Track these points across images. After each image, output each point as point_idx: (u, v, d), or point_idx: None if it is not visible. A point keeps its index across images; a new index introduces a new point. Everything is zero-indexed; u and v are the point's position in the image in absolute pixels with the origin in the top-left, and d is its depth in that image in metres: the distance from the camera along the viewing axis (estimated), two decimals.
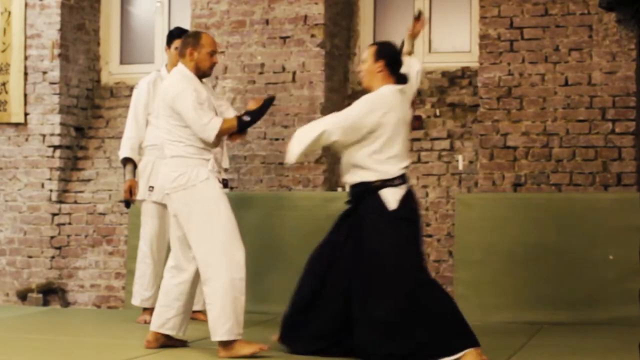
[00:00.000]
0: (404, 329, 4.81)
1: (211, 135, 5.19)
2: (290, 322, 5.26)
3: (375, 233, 4.94)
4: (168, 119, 5.24)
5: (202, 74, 5.37)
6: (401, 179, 5.00)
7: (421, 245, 5.15)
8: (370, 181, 4.97)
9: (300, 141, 5.04)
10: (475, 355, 4.78)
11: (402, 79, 5.10)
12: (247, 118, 5.39)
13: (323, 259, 5.21)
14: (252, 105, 5.47)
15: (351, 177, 5.07)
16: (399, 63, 5.12)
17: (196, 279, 5.36)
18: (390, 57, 5.07)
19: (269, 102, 5.49)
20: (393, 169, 4.98)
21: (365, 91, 5.18)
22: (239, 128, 5.37)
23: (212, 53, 5.37)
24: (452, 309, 4.91)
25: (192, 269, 5.32)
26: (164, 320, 5.34)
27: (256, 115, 5.45)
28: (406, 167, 5.05)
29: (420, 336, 4.79)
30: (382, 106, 4.95)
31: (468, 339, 4.83)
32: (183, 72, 5.32)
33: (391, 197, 4.95)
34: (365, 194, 5.00)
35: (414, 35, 5.35)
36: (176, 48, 6.48)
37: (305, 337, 5.17)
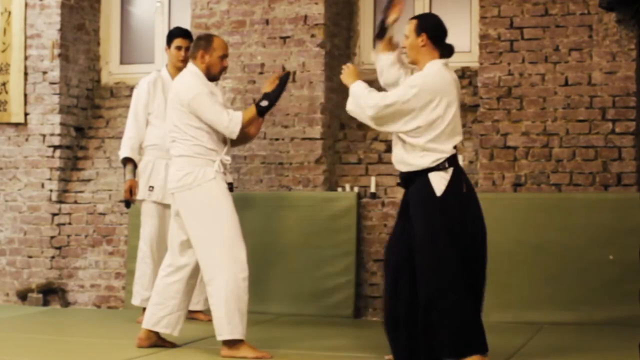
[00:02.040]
0: (428, 326, 4.73)
1: (235, 130, 5.22)
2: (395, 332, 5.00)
3: (419, 221, 4.80)
4: (180, 117, 5.24)
5: (211, 77, 5.39)
6: (449, 162, 4.84)
7: (468, 233, 4.84)
8: (421, 168, 4.82)
9: (354, 110, 4.93)
10: None
11: (448, 51, 4.96)
12: (264, 103, 5.32)
13: (394, 251, 5.00)
14: (267, 87, 5.42)
15: (403, 165, 4.91)
16: (442, 34, 4.97)
17: (192, 278, 5.38)
18: (432, 30, 4.93)
19: (285, 80, 5.39)
20: (442, 151, 4.82)
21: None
22: (260, 114, 5.34)
23: (223, 57, 5.41)
24: (473, 309, 4.82)
25: (188, 268, 5.33)
26: (158, 319, 5.36)
27: (274, 96, 5.36)
28: (455, 148, 4.89)
29: (440, 334, 4.72)
30: (431, 89, 4.80)
31: (479, 344, 4.78)
32: (196, 73, 5.34)
33: (438, 182, 4.80)
34: (414, 178, 4.86)
35: (392, 20, 5.13)
36: (177, 47, 6.51)
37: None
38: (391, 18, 5.10)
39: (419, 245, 4.79)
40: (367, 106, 4.87)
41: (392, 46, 5.13)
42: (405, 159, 4.89)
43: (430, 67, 4.89)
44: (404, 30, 5.00)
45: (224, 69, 5.44)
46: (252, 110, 5.35)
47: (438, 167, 4.81)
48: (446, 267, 4.75)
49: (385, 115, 4.83)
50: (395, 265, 4.91)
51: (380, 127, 4.94)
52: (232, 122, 5.21)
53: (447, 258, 4.75)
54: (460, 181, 4.85)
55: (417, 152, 4.83)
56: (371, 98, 4.89)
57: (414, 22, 4.98)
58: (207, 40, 5.41)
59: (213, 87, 5.39)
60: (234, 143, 5.52)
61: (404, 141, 4.87)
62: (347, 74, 5.08)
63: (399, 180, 5.07)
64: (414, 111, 4.78)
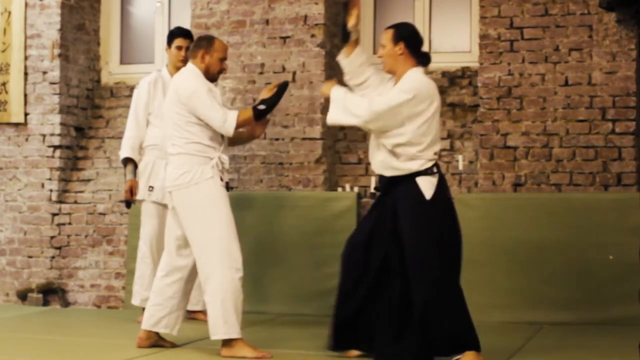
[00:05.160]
0: (424, 323, 4.80)
1: (230, 130, 5.25)
2: (341, 325, 5.14)
3: (411, 222, 4.86)
4: (179, 115, 5.26)
5: (210, 77, 5.41)
6: (436, 167, 4.93)
7: (452, 237, 5.00)
8: (408, 172, 4.88)
9: (340, 117, 4.98)
10: (474, 357, 4.80)
11: (424, 59, 5.03)
12: (262, 106, 5.40)
13: (358, 253, 5.11)
14: (265, 93, 5.49)
15: (389, 170, 4.95)
16: (419, 43, 5.04)
17: (191, 277, 5.38)
18: (409, 39, 4.99)
19: (283, 88, 5.48)
20: (428, 156, 4.89)
21: None
22: (256, 117, 5.39)
23: (223, 59, 5.46)
24: (465, 308, 4.91)
25: (187, 267, 5.34)
26: (157, 319, 5.37)
27: (271, 102, 5.45)
28: (437, 154, 4.96)
29: (437, 332, 4.79)
30: (424, 95, 4.86)
31: (473, 341, 4.85)
32: (195, 71, 5.37)
33: (426, 186, 4.86)
34: (400, 181, 4.91)
35: (352, 25, 5.18)
36: (177, 47, 6.50)
37: (359, 338, 5.10)
38: (350, 23, 5.17)
39: (409, 248, 4.84)
40: (359, 109, 4.91)
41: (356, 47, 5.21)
42: (392, 164, 4.92)
43: (414, 73, 4.94)
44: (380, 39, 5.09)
45: (222, 70, 5.49)
46: (249, 112, 5.39)
47: (426, 172, 4.87)
48: (438, 268, 4.84)
49: (378, 119, 4.87)
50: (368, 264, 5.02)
51: (369, 126, 4.95)
52: (227, 121, 5.23)
53: (439, 259, 4.85)
54: (444, 187, 4.95)
55: (404, 156, 4.88)
56: (363, 102, 4.95)
57: (391, 31, 5.04)
58: (208, 41, 5.44)
59: (211, 86, 5.41)
60: (233, 143, 5.57)
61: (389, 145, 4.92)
62: (325, 86, 5.17)
63: (377, 185, 5.12)
64: (405, 117, 4.83)
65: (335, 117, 5.01)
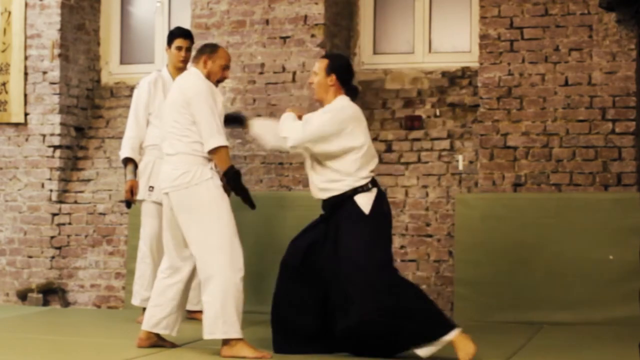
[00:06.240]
0: (391, 326, 4.90)
1: (209, 147, 5.20)
2: (279, 327, 5.32)
3: (352, 236, 5.05)
4: (180, 113, 5.24)
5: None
6: (372, 183, 5.14)
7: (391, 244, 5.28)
8: (346, 191, 5.10)
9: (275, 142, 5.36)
10: (465, 336, 4.88)
11: (353, 92, 5.28)
12: (234, 175, 5.30)
13: (298, 259, 5.33)
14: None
15: (326, 192, 5.18)
16: (350, 76, 5.28)
17: (191, 278, 5.39)
18: (341, 71, 5.22)
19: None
20: (363, 175, 5.11)
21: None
22: (226, 173, 5.26)
23: (225, 67, 5.47)
24: (429, 301, 5.07)
25: (187, 268, 5.34)
26: (158, 320, 5.37)
27: (237, 186, 5.32)
28: (373, 171, 5.17)
29: (407, 328, 4.88)
30: (344, 117, 5.09)
31: (451, 323, 4.97)
32: (199, 75, 5.37)
33: (365, 202, 5.07)
34: (340, 202, 5.11)
35: None
36: (177, 47, 6.51)
37: (296, 339, 5.26)
38: None
39: (349, 255, 5.01)
40: (286, 138, 5.22)
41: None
42: (327, 186, 5.15)
43: (339, 100, 5.19)
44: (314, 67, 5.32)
45: (223, 79, 5.49)
46: (227, 162, 5.27)
47: (362, 189, 5.09)
48: (388, 269, 5.07)
49: (306, 146, 5.15)
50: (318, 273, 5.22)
51: (298, 150, 5.28)
52: (214, 137, 5.18)
53: (387, 261, 5.09)
54: (383, 201, 5.17)
55: (339, 177, 5.10)
56: (287, 130, 5.24)
57: (325, 61, 5.27)
58: (212, 47, 5.49)
59: (216, 95, 5.38)
60: None
61: (324, 168, 5.14)
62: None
63: (322, 211, 5.31)
64: (330, 136, 5.05)
65: (272, 143, 5.39)
